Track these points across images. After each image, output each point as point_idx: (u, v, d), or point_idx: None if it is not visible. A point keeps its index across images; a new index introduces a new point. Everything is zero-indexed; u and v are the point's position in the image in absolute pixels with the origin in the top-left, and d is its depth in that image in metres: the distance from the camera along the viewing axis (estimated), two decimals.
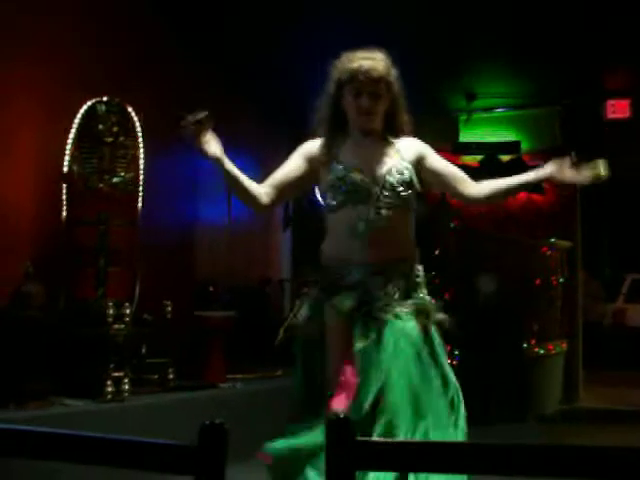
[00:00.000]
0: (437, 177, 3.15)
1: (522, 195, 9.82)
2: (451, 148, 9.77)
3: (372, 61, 3.01)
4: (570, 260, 9.50)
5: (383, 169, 3.00)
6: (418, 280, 3.05)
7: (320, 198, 3.16)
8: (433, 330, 2.95)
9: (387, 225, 2.93)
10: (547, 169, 2.98)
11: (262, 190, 3.03)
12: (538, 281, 8.81)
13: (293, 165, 3.09)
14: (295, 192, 3.22)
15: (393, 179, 2.98)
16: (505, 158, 9.82)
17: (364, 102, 3.00)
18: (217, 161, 2.85)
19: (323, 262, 3.04)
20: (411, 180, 3.02)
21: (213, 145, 2.83)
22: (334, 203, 2.99)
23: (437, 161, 3.17)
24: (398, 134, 3.16)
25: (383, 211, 2.93)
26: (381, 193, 2.95)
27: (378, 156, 3.04)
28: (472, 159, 9.90)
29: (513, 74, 9.05)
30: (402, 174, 3.00)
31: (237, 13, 7.42)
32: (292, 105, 9.61)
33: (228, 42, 7.98)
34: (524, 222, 9.69)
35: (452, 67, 8.57)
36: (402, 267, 2.99)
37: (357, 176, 2.97)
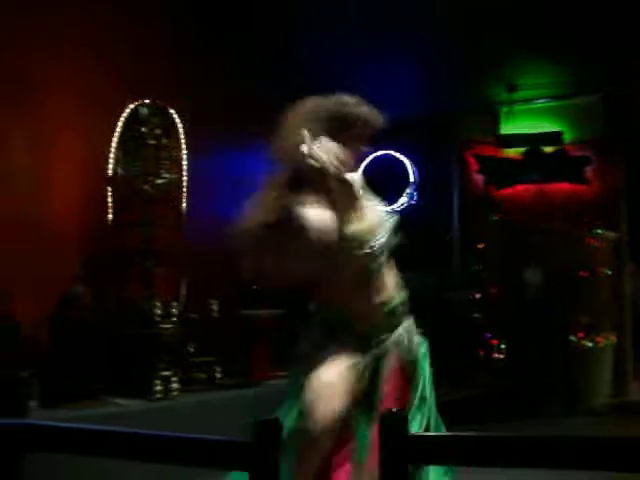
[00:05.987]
0: None
1: (565, 186, 9.71)
2: (493, 141, 9.69)
3: None
4: (617, 251, 9.36)
5: None
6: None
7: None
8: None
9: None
10: None
11: None
12: (585, 273, 8.69)
13: None
14: None
15: None
16: (548, 149, 9.70)
17: None
18: None
19: None
20: None
21: None
22: None
23: None
24: None
25: None
26: None
27: None
28: (515, 151, 9.80)
29: (553, 64, 8.94)
30: None
31: (278, 27, 7.45)
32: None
33: (270, 51, 8.02)
34: (569, 213, 9.56)
35: (493, 59, 8.48)
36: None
37: None
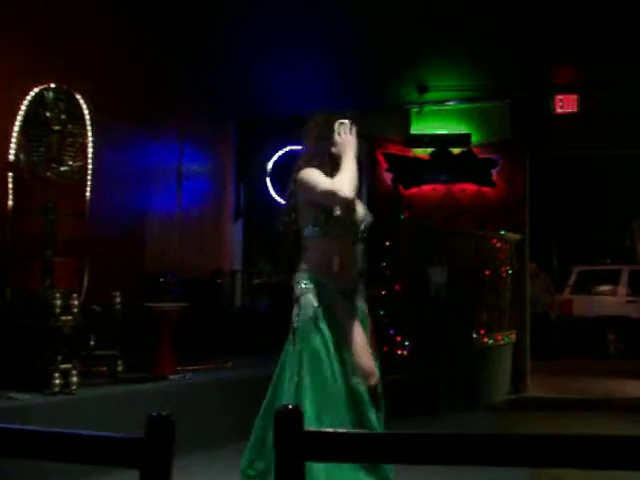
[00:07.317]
0: None
1: (472, 188, 9.93)
2: (403, 140, 9.82)
3: None
4: (519, 252, 9.63)
5: None
6: None
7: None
8: None
9: None
10: None
11: None
12: (488, 273, 8.92)
13: None
14: None
15: None
16: (456, 150, 9.90)
17: None
18: None
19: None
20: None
21: None
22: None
23: None
24: None
25: None
26: None
27: None
28: (423, 151, 9.96)
29: (465, 68, 9.12)
30: None
31: (190, 10, 7.35)
32: (239, 99, 9.62)
33: (181, 37, 7.91)
34: (475, 214, 9.79)
35: (405, 60, 8.59)
36: None
37: None
